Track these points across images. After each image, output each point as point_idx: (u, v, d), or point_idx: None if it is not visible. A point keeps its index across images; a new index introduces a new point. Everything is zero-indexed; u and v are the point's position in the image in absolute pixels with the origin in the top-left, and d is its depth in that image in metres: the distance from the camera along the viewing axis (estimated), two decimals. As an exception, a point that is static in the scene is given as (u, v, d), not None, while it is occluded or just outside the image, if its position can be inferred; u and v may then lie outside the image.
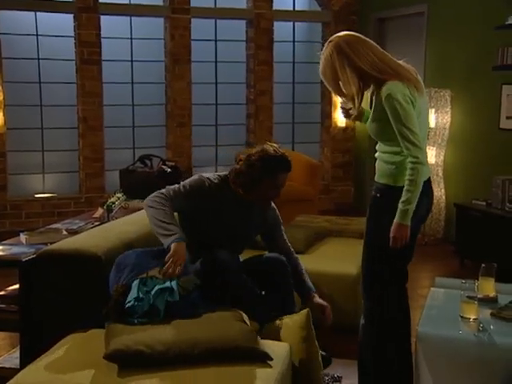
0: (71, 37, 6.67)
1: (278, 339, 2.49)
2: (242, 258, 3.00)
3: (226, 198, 2.85)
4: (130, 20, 6.94)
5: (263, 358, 2.18)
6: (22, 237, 3.52)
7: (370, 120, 2.62)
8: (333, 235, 4.49)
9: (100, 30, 6.66)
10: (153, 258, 2.64)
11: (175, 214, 2.81)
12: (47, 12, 6.59)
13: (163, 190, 2.81)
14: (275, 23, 7.32)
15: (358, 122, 2.86)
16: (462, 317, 2.47)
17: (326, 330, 2.85)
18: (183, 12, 6.94)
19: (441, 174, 6.00)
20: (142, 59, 7.01)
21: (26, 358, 2.49)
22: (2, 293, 3.22)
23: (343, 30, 2.67)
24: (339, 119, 7.60)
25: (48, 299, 2.62)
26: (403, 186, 2.48)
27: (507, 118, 5.43)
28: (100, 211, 4.25)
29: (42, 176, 6.84)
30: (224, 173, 2.94)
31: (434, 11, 6.30)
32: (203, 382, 2.04)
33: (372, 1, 7.36)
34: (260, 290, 2.85)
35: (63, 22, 6.66)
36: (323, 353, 2.68)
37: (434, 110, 5.86)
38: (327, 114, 7.69)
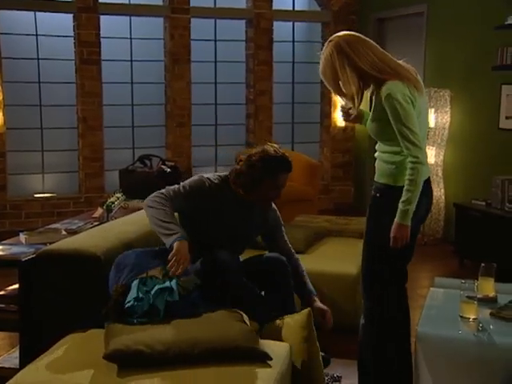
0: (71, 37, 6.67)
1: (279, 339, 2.48)
2: (242, 257, 3.00)
3: (227, 198, 2.85)
4: (130, 20, 6.94)
5: (263, 358, 2.18)
6: (22, 237, 3.52)
7: (369, 120, 2.62)
8: (332, 235, 4.49)
9: (99, 30, 6.66)
10: (152, 257, 2.64)
11: (175, 214, 2.81)
12: (47, 12, 6.59)
13: (163, 191, 2.81)
14: (275, 23, 7.32)
15: (357, 125, 2.87)
16: (461, 317, 2.47)
17: (326, 332, 2.85)
18: (183, 12, 6.94)
19: (440, 173, 6.00)
20: (141, 59, 7.01)
21: (26, 358, 2.49)
22: (1, 292, 3.22)
23: (343, 30, 2.67)
24: (339, 119, 7.60)
25: (47, 299, 2.62)
26: (403, 186, 2.49)
27: (507, 117, 5.43)
28: (99, 211, 4.25)
29: (42, 176, 6.84)
30: (224, 173, 2.93)
31: (433, 11, 6.30)
32: (203, 382, 2.04)
33: (371, 1, 7.36)
34: (260, 289, 2.85)
35: (63, 22, 6.66)
36: (322, 353, 2.67)
37: (433, 110, 5.86)
38: (327, 114, 7.69)
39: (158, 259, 2.62)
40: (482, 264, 2.66)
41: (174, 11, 6.91)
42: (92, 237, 2.83)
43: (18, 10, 6.54)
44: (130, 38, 6.96)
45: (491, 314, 2.52)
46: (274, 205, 3.04)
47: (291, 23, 7.60)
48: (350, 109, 2.73)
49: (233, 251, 2.84)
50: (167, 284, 2.41)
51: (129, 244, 2.78)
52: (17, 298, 2.86)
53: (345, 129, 7.67)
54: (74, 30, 6.65)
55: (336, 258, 3.91)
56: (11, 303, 3.03)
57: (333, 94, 7.08)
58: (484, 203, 5.17)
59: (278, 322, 2.57)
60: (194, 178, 2.88)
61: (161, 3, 7.00)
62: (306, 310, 2.55)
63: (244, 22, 7.34)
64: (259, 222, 2.97)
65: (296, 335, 2.47)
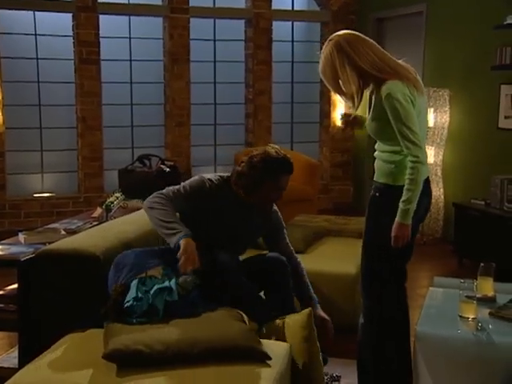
0: (70, 36, 6.67)
1: (279, 339, 2.48)
2: (242, 257, 2.99)
3: (227, 199, 2.84)
4: (129, 19, 6.94)
5: (262, 358, 2.17)
6: (21, 236, 3.51)
7: (369, 119, 2.62)
8: (332, 235, 4.49)
9: (99, 30, 6.66)
10: (152, 257, 2.63)
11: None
12: (46, 11, 6.59)
13: (163, 191, 2.79)
14: (274, 23, 7.32)
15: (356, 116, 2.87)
16: (460, 316, 2.47)
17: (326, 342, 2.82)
18: (182, 11, 6.94)
19: (439, 173, 6.00)
20: (140, 59, 7.01)
21: (25, 358, 2.49)
22: (0, 292, 3.22)
23: (342, 30, 2.67)
24: (338, 119, 7.60)
25: (46, 299, 2.62)
26: (403, 185, 2.49)
27: (506, 117, 5.43)
28: (99, 211, 4.25)
29: (41, 176, 6.83)
30: (226, 174, 2.92)
31: (432, 11, 6.30)
32: (202, 382, 2.04)
33: (371, 0, 7.36)
34: (260, 289, 2.85)
35: (62, 22, 6.66)
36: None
37: (432, 110, 5.86)
38: (326, 114, 7.69)
39: (158, 259, 2.61)
40: (481, 264, 2.66)
41: (174, 11, 6.91)
42: (91, 236, 2.83)
43: (17, 9, 6.53)
44: (130, 38, 6.96)
45: (490, 313, 2.52)
46: (275, 206, 3.03)
47: (290, 23, 7.60)
48: (351, 117, 2.74)
49: (233, 252, 2.84)
50: (166, 284, 2.41)
51: (128, 244, 2.78)
52: (16, 297, 2.86)
53: (344, 128, 7.65)
54: (73, 30, 6.65)
55: (335, 258, 3.91)
56: (10, 303, 3.03)
57: (332, 94, 7.10)
58: (483, 203, 5.17)
59: (277, 321, 2.57)
60: (195, 178, 2.86)
61: (160, 3, 6.99)
62: (306, 310, 2.55)
63: (243, 21, 7.34)
64: (260, 223, 2.96)
65: (296, 335, 2.47)
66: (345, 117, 2.83)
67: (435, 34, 6.29)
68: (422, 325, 2.46)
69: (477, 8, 5.72)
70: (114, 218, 3.86)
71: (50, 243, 2.92)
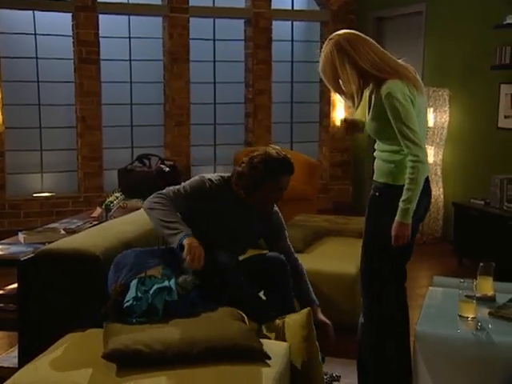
0: (69, 36, 6.67)
1: (279, 338, 2.48)
2: (242, 257, 2.99)
3: (227, 199, 2.83)
4: (129, 19, 6.94)
5: (262, 358, 2.18)
6: (21, 236, 3.51)
7: (369, 118, 2.62)
8: (331, 234, 4.49)
9: (98, 29, 6.66)
10: (151, 257, 2.63)
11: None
12: (45, 11, 6.59)
13: (163, 191, 2.78)
14: (274, 22, 7.32)
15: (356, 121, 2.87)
16: (460, 316, 2.47)
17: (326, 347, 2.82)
18: (182, 11, 6.93)
19: (439, 173, 6.00)
20: (140, 58, 7.01)
21: (24, 358, 2.49)
22: (0, 292, 3.22)
23: (342, 29, 2.67)
24: (337, 118, 7.61)
25: (46, 298, 2.62)
26: (402, 185, 2.49)
27: (505, 117, 5.43)
28: (98, 210, 4.25)
29: (41, 175, 6.83)
30: (227, 174, 2.91)
31: (432, 10, 6.30)
32: (202, 381, 2.04)
33: (370, 0, 7.36)
34: (260, 289, 2.85)
35: (61, 21, 6.66)
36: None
37: (432, 109, 5.86)
38: (326, 114, 7.69)
39: (157, 259, 2.61)
40: (481, 263, 2.66)
41: (173, 10, 6.91)
42: (91, 236, 2.83)
43: (16, 9, 6.53)
44: (129, 38, 6.96)
45: (490, 313, 2.52)
46: (276, 207, 3.02)
47: (290, 22, 7.60)
48: (351, 124, 2.76)
49: (233, 252, 2.83)
50: (166, 283, 2.41)
51: (128, 243, 2.78)
52: (15, 297, 2.87)
53: (345, 134, 7.64)
54: (72, 30, 6.65)
55: (335, 258, 3.91)
56: (10, 302, 3.03)
57: (332, 94, 7.11)
58: (483, 202, 5.17)
59: (277, 321, 2.57)
60: (195, 178, 2.85)
61: (159, 2, 6.99)
62: (305, 310, 2.55)
63: (243, 21, 7.34)
64: (260, 225, 2.95)
65: (295, 335, 2.47)
66: (345, 123, 2.84)
67: (435, 34, 6.29)
68: (421, 324, 2.46)
69: (476, 7, 5.72)
70: (114, 217, 3.86)
71: (49, 243, 2.92)
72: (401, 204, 2.48)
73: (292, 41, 7.64)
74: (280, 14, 7.40)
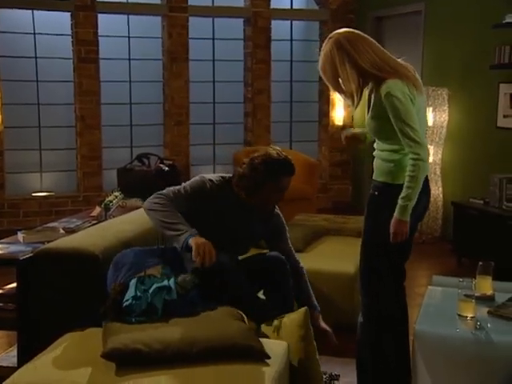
0: (68, 35, 6.67)
1: (276, 338, 2.48)
2: (242, 256, 2.98)
3: (228, 200, 2.82)
4: (128, 18, 6.93)
5: (261, 357, 2.18)
6: (20, 235, 3.51)
7: (368, 118, 2.62)
8: (331, 234, 4.50)
9: (97, 29, 6.65)
10: (151, 256, 2.63)
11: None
12: (44, 10, 6.58)
13: (163, 192, 2.76)
14: (273, 22, 7.32)
15: (355, 124, 2.89)
16: (459, 315, 2.47)
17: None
18: (181, 10, 6.93)
19: (438, 172, 6.00)
20: (139, 58, 7.01)
21: (24, 357, 2.49)
22: (-1, 291, 3.23)
23: (341, 28, 2.67)
24: (337, 118, 7.61)
25: (45, 298, 2.62)
26: (402, 184, 2.49)
27: (504, 116, 5.43)
28: (98, 210, 4.25)
29: (40, 175, 6.83)
30: (228, 175, 2.90)
31: (431, 10, 6.30)
32: (201, 381, 2.04)
33: (370, -1, 7.37)
34: (260, 288, 2.84)
35: (60, 21, 6.65)
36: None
37: (431, 109, 5.86)
38: (325, 113, 7.69)
39: (157, 258, 2.61)
40: (480, 262, 2.66)
41: (172, 10, 6.91)
42: (90, 236, 2.83)
43: (15, 8, 6.53)
44: (128, 37, 6.95)
45: (489, 312, 2.52)
46: (278, 209, 3.01)
47: (289, 22, 7.60)
48: (353, 138, 2.79)
49: (234, 253, 2.83)
50: (165, 283, 2.41)
51: (127, 243, 2.78)
52: (15, 296, 2.86)
53: (343, 127, 7.66)
54: (71, 29, 6.64)
55: (334, 257, 3.91)
56: (9, 302, 3.03)
57: (331, 92, 7.10)
58: (482, 202, 5.17)
59: (275, 321, 2.57)
60: (195, 178, 2.83)
61: (159, 2, 6.99)
62: (302, 309, 2.55)
63: (242, 20, 7.34)
64: (261, 225, 2.94)
65: (293, 334, 2.47)
66: (346, 139, 2.85)
67: (434, 33, 6.29)
68: (420, 323, 2.47)
69: (476, 7, 5.72)
70: (113, 216, 3.86)
71: (48, 242, 2.92)
72: (400, 201, 2.48)
73: (291, 40, 7.64)
74: (279, 14, 7.40)
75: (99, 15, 6.67)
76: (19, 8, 6.53)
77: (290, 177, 2.83)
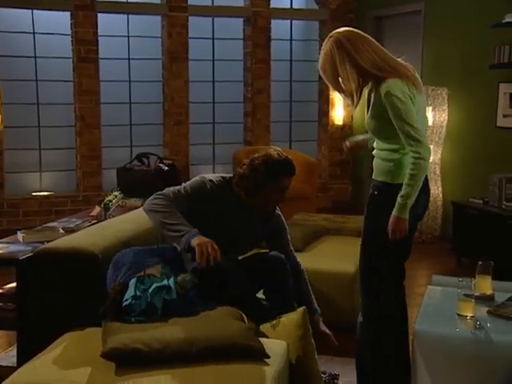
0: (68, 35, 6.67)
1: (275, 337, 2.48)
2: (241, 256, 2.98)
3: (228, 200, 2.81)
4: (127, 18, 6.93)
5: (261, 356, 2.18)
6: (19, 235, 3.51)
7: (368, 117, 2.62)
8: (330, 233, 4.50)
9: (97, 28, 6.65)
10: (151, 256, 2.63)
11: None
12: (44, 10, 6.58)
13: (163, 192, 2.75)
14: (272, 21, 7.32)
15: (355, 123, 2.89)
16: (458, 315, 2.47)
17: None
18: (180, 10, 6.93)
19: (438, 171, 6.00)
20: (139, 57, 7.01)
21: (23, 357, 2.48)
22: (-1, 291, 3.22)
23: (341, 28, 2.67)
24: (336, 117, 7.61)
25: (45, 297, 2.61)
26: (401, 184, 2.49)
27: (504, 116, 5.44)
28: (97, 209, 4.25)
29: (39, 174, 6.83)
30: (228, 175, 2.90)
31: (431, 9, 6.30)
32: (201, 380, 2.04)
33: (369, -1, 7.37)
34: (259, 288, 2.84)
35: (60, 20, 6.66)
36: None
37: (431, 108, 5.86)
38: (324, 112, 7.69)
39: (156, 257, 2.61)
40: (480, 262, 2.66)
41: (172, 9, 6.91)
42: (90, 235, 2.82)
43: (15, 7, 6.52)
44: (128, 36, 6.95)
45: (488, 311, 2.52)
46: (278, 210, 3.00)
47: (289, 21, 7.60)
48: (354, 146, 2.84)
49: (234, 253, 2.83)
50: (165, 282, 2.41)
51: (127, 242, 2.78)
52: (14, 296, 2.86)
53: (342, 127, 7.67)
54: (71, 28, 6.64)
55: (334, 257, 3.91)
56: (9, 301, 3.03)
57: (331, 92, 7.11)
58: (481, 201, 5.17)
59: (273, 321, 2.57)
60: (196, 179, 2.82)
61: (158, 1, 6.99)
62: (301, 309, 2.55)
63: (242, 20, 7.34)
64: (262, 226, 2.94)
65: (291, 334, 2.47)
66: (347, 147, 2.85)
67: (433, 33, 6.29)
68: (420, 323, 2.47)
69: (475, 6, 5.72)
70: (113, 216, 3.86)
71: (48, 242, 2.91)
72: (399, 199, 2.48)
73: (291, 40, 7.64)
74: (279, 13, 7.40)
75: (99, 15, 6.67)
76: (19, 7, 6.53)
77: (290, 177, 2.82)
